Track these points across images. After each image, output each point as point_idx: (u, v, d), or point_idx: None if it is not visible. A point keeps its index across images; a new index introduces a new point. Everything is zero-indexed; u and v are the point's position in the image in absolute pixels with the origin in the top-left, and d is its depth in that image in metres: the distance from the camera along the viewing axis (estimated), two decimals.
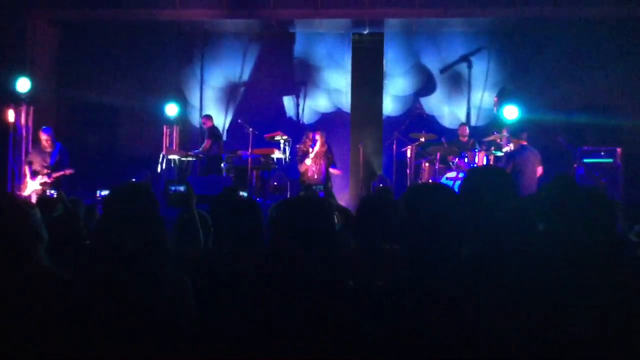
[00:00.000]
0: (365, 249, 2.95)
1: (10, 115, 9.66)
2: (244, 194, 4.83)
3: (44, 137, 9.01)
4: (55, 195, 5.83)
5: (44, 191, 8.52)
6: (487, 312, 2.09)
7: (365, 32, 11.49)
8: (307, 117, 12.25)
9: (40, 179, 8.87)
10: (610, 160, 9.35)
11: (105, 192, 5.58)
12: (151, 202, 2.24)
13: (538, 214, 2.92)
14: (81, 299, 2.07)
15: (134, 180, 9.75)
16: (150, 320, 2.09)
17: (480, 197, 2.20)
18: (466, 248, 2.21)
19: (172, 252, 3.41)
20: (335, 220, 4.15)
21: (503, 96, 9.98)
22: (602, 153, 9.37)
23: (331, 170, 9.58)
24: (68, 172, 8.94)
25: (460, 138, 10.36)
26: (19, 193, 8.94)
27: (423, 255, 2.14)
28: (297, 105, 12.25)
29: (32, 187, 8.87)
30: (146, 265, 2.13)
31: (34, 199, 7.60)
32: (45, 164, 8.94)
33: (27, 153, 9.78)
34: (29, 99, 9.87)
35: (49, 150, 9.00)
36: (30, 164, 9.03)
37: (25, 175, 9.09)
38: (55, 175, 8.87)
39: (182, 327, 2.22)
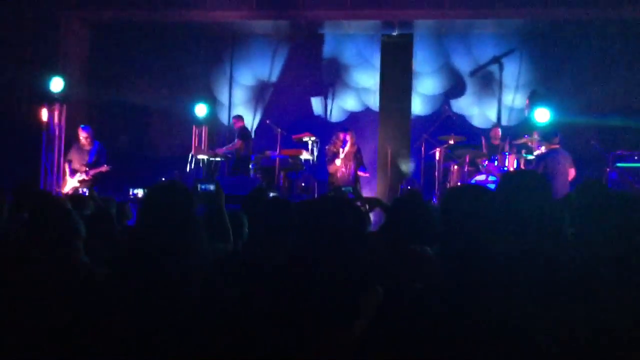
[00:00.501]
0: (396, 251, 2.93)
1: (44, 115, 9.82)
2: (274, 194, 4.84)
3: (83, 135, 9.20)
4: (87, 194, 5.91)
5: (78, 189, 8.69)
6: (521, 316, 2.07)
7: (395, 33, 11.43)
8: (335, 118, 12.25)
9: (79, 176, 9.03)
10: None
11: (137, 191, 5.65)
12: (188, 201, 2.25)
13: (569, 218, 2.89)
14: (116, 296, 2.08)
15: (164, 179, 9.85)
16: (180, 320, 2.10)
17: (516, 200, 2.17)
18: (501, 251, 2.20)
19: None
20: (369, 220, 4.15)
21: (534, 99, 9.86)
22: (636, 157, 9.19)
23: (359, 173, 9.55)
24: (104, 169, 9.11)
25: (492, 141, 10.23)
26: (58, 190, 9.12)
27: (461, 258, 2.13)
28: (326, 106, 12.25)
29: (71, 185, 9.05)
30: (181, 265, 2.14)
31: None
32: (83, 162, 9.12)
33: (61, 152, 9.97)
34: (62, 98, 10.01)
35: (87, 148, 9.19)
36: (69, 162, 9.22)
37: (65, 173, 9.27)
38: (92, 172, 9.02)
39: (209, 328, 2.23)
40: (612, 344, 2.24)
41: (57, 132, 9.99)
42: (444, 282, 2.18)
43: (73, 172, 9.13)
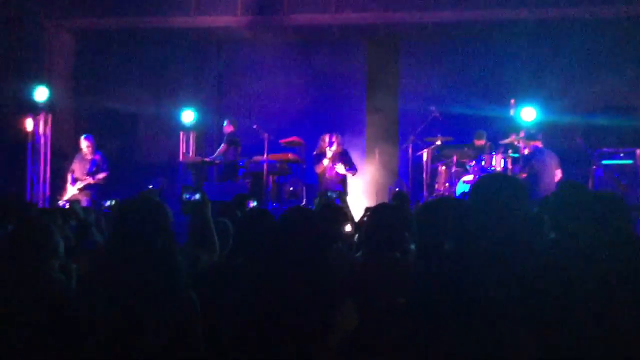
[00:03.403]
0: (374, 259, 2.91)
1: (29, 124, 9.76)
2: (253, 202, 4.81)
3: (85, 144, 9.32)
4: (67, 206, 5.90)
5: (78, 197, 8.72)
6: (502, 324, 2.07)
7: (382, 35, 11.45)
8: (322, 122, 12.23)
9: (79, 184, 9.12)
10: (630, 161, 9.20)
11: (109, 202, 5.63)
12: (159, 214, 2.23)
13: (549, 222, 2.88)
14: (83, 310, 2.07)
15: (150, 186, 9.82)
16: (152, 336, 2.08)
17: (489, 206, 2.16)
18: (475, 258, 2.19)
19: (184, 260, 3.42)
20: (348, 229, 4.13)
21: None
22: (622, 154, 9.23)
23: (345, 172, 9.40)
24: (102, 176, 9.20)
25: (476, 143, 10.27)
26: (59, 198, 9.13)
27: (438, 273, 2.13)
28: (313, 110, 12.25)
29: (70, 193, 9.11)
30: (152, 281, 2.12)
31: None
32: (84, 171, 9.20)
33: (47, 162, 9.99)
34: (47, 107, 9.97)
35: (89, 157, 9.28)
36: (72, 171, 9.29)
37: (66, 182, 9.32)
38: (91, 180, 9.12)
39: (187, 343, 2.21)
40: (597, 348, 2.25)
41: (42, 142, 9.93)
42: (423, 296, 2.17)
43: (74, 181, 9.21)
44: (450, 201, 2.42)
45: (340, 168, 9.30)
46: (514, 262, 2.07)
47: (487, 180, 2.39)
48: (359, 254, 3.21)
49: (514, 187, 2.24)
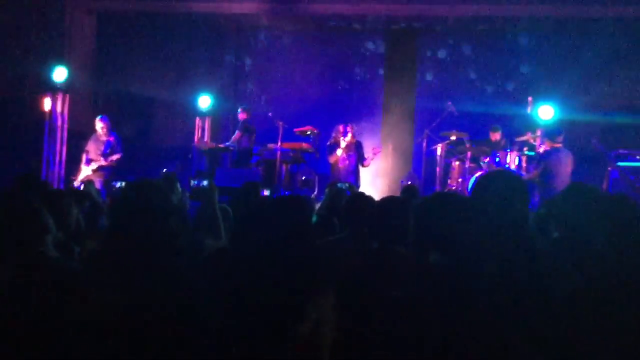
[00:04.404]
0: (378, 251, 2.92)
1: (47, 104, 9.84)
2: (266, 191, 4.84)
3: (100, 125, 9.35)
4: (82, 187, 5.96)
5: (91, 178, 8.78)
6: (501, 325, 2.07)
7: (401, 27, 11.39)
8: (338, 112, 12.22)
9: (93, 165, 9.19)
10: None
11: (119, 184, 5.67)
12: (161, 198, 2.26)
13: (555, 222, 2.87)
14: (86, 291, 2.10)
15: (164, 170, 9.89)
16: (152, 314, 2.11)
17: (489, 204, 2.16)
18: (476, 260, 2.18)
19: (190, 245, 3.46)
20: None
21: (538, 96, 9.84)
22: (638, 157, 9.13)
23: (365, 162, 9.36)
24: (116, 157, 9.26)
25: (492, 140, 10.23)
26: (73, 179, 9.22)
27: (438, 267, 2.13)
28: (329, 99, 12.24)
29: (84, 173, 9.18)
30: (153, 258, 2.15)
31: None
32: (99, 152, 9.26)
33: (64, 142, 10.06)
34: (65, 87, 10.03)
35: (104, 138, 9.33)
36: (87, 152, 9.36)
37: (81, 162, 9.39)
38: (104, 162, 9.18)
39: (191, 323, 2.24)
40: (599, 350, 2.24)
41: (59, 122, 10.01)
42: (422, 290, 2.17)
43: (89, 162, 9.28)
44: (447, 197, 2.41)
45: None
46: (512, 259, 2.07)
47: (488, 177, 2.39)
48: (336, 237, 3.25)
49: (514, 185, 2.23)
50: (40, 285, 2.15)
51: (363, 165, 9.45)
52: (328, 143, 9.52)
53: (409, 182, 9.40)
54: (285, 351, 2.07)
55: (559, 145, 8.49)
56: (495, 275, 2.03)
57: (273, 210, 2.33)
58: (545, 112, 9.63)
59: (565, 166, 8.38)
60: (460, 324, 1.98)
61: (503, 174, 2.50)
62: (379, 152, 9.53)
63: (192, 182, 7.42)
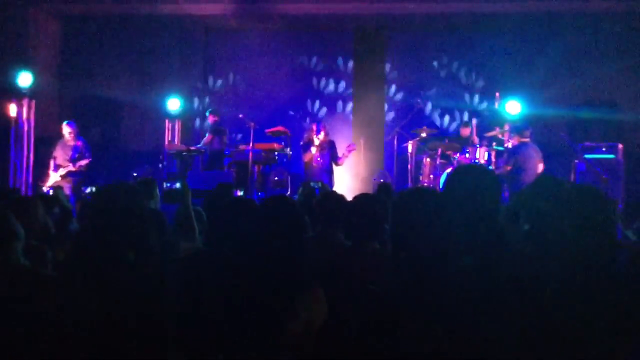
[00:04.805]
0: (352, 250, 2.94)
1: (12, 110, 9.68)
2: (240, 192, 4.83)
3: (67, 130, 9.27)
4: (51, 193, 5.88)
5: (60, 184, 8.68)
6: (476, 317, 2.09)
7: (369, 25, 11.45)
8: (308, 112, 12.25)
9: (61, 171, 9.09)
10: (612, 156, 9.29)
11: (89, 189, 5.62)
12: (129, 200, 2.25)
13: (524, 214, 2.92)
14: (57, 297, 2.08)
15: (135, 174, 9.82)
16: (126, 316, 2.10)
17: (461, 197, 2.18)
18: (449, 254, 2.20)
19: (165, 247, 3.43)
20: None
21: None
22: (604, 149, 9.32)
23: (339, 160, 9.36)
24: (84, 162, 9.16)
25: (462, 136, 10.35)
26: (41, 185, 9.11)
27: (412, 262, 2.15)
28: (300, 100, 12.25)
29: (53, 179, 9.08)
30: (125, 260, 2.13)
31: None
32: (67, 157, 9.17)
33: (31, 148, 9.93)
34: (31, 93, 9.88)
35: (71, 143, 9.25)
36: (55, 158, 9.26)
37: (49, 168, 9.28)
38: (72, 168, 9.08)
39: (163, 326, 2.23)
40: (572, 342, 2.28)
41: (26, 128, 9.85)
42: (396, 284, 2.19)
43: (57, 168, 9.18)
44: (425, 191, 2.44)
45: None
46: (484, 251, 2.10)
47: (460, 171, 2.42)
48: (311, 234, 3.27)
49: (486, 179, 2.26)
50: (8, 293, 2.12)
51: (337, 164, 9.47)
52: (302, 142, 9.53)
53: (381, 180, 9.45)
54: (272, 351, 2.07)
55: (527, 140, 8.65)
56: (469, 268, 2.06)
57: (266, 210, 2.31)
58: (513, 107, 9.80)
59: (534, 160, 8.53)
60: (436, 316, 2.01)
61: (475, 167, 2.54)
62: (354, 148, 9.54)
63: (165, 185, 7.38)
